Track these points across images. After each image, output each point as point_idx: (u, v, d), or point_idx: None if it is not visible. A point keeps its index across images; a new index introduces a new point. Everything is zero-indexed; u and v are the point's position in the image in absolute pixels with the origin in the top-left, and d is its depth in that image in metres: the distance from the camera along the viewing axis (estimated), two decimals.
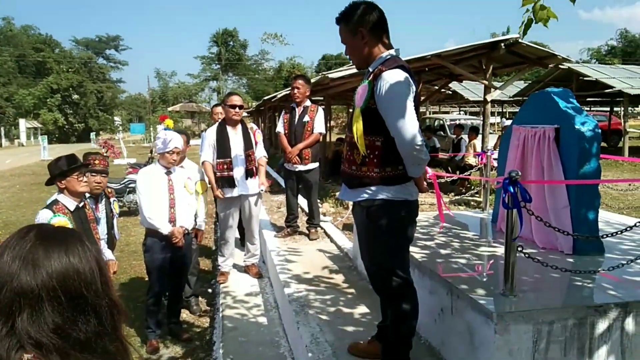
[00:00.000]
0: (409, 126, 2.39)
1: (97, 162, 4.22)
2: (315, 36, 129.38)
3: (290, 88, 6.20)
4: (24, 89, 55.77)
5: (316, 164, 5.98)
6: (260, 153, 5.16)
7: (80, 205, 3.58)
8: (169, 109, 50.53)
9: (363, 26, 2.54)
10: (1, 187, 15.25)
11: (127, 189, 9.74)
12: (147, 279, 4.69)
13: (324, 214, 7.39)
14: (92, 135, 41.41)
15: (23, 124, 52.14)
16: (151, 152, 13.75)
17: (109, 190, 4.54)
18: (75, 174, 3.46)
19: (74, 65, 59.97)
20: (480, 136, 9.85)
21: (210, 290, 5.66)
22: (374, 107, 2.48)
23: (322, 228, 6.41)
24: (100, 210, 4.27)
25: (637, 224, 3.00)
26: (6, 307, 0.91)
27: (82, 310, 0.96)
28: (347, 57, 2.72)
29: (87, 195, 3.94)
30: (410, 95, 2.45)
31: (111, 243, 4.40)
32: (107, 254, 3.79)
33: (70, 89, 56.54)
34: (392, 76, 2.43)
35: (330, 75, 9.06)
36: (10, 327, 0.90)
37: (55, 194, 3.60)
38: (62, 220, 3.45)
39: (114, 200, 4.53)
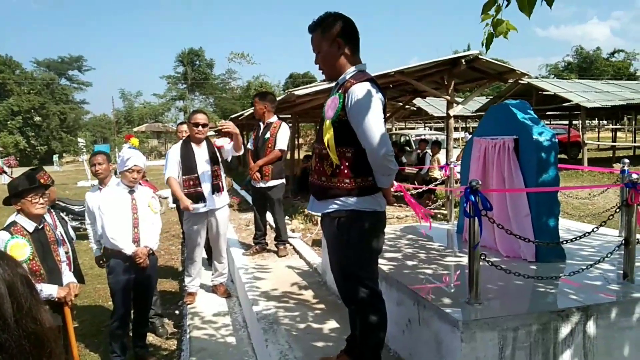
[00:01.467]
0: (380, 137, 2.43)
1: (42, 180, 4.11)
2: (282, 55, 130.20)
3: None
4: None
5: (279, 181, 5.92)
6: (230, 149, 5.13)
7: (40, 226, 3.48)
8: (135, 129, 49.72)
9: (341, 37, 2.57)
10: None
11: None
12: (111, 302, 4.56)
13: (293, 231, 7.36)
14: (55, 157, 40.39)
15: None
16: (115, 172, 13.47)
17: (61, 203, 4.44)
18: (29, 195, 3.36)
19: (35, 86, 58.52)
20: (443, 150, 10.04)
21: (177, 312, 5.55)
22: (344, 118, 2.51)
23: (290, 244, 6.38)
24: (58, 225, 4.15)
25: (595, 230, 3.10)
26: None
27: (6, 327, 0.85)
28: (317, 66, 2.72)
29: None
30: (379, 108, 2.49)
31: (73, 259, 4.26)
32: (68, 276, 3.67)
33: (32, 110, 55.08)
34: (363, 89, 2.48)
35: (296, 92, 9.10)
36: None
37: (13, 215, 3.49)
38: (20, 243, 3.34)
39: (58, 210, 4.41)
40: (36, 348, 0.88)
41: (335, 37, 2.57)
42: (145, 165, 4.38)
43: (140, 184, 4.39)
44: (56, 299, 3.40)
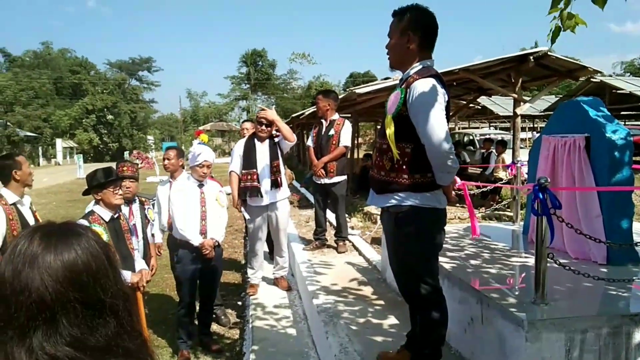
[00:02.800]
0: (440, 134, 2.41)
1: (125, 168, 4.39)
2: (343, 54, 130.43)
3: None
4: (61, 110, 57.76)
5: (342, 177, 6.00)
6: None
7: (115, 216, 3.70)
8: (200, 128, 51.41)
9: (412, 30, 2.56)
10: (39, 204, 15.69)
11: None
12: (177, 292, 4.78)
13: (352, 228, 7.40)
14: (126, 154, 42.46)
15: (60, 143, 53.87)
16: (183, 167, 14.01)
17: (144, 199, 4.66)
18: (110, 186, 3.58)
19: (108, 86, 61.90)
20: (509, 150, 9.75)
21: (239, 303, 5.72)
22: (405, 114, 2.52)
23: (350, 241, 6.42)
24: (134, 216, 4.39)
25: None
26: (22, 325, 0.88)
27: (100, 314, 0.93)
28: (386, 50, 2.71)
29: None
30: (441, 104, 2.47)
31: (146, 250, 4.49)
32: (140, 263, 3.89)
33: (105, 109, 58.24)
34: (425, 84, 2.47)
35: (357, 91, 9.12)
36: (28, 346, 0.87)
37: (91, 204, 3.74)
38: (97, 230, 3.57)
39: (149, 208, 4.64)
40: (129, 313, 0.99)
41: (408, 29, 2.57)
42: (214, 160, 4.55)
43: (212, 177, 4.58)
44: (129, 284, 3.62)
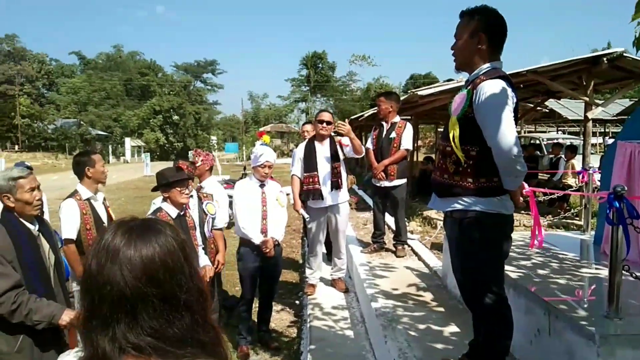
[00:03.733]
0: (508, 136, 2.34)
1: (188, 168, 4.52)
2: (404, 56, 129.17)
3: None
4: (130, 110, 60.67)
5: (403, 181, 5.94)
6: (350, 151, 5.16)
7: (182, 213, 3.83)
8: (260, 129, 52.42)
9: (484, 31, 2.51)
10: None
11: None
12: (238, 287, 4.89)
13: (412, 232, 7.31)
14: (190, 153, 43.97)
15: (128, 142, 56.53)
16: (244, 168, 14.38)
17: (204, 194, 4.73)
18: (178, 186, 3.72)
19: (174, 88, 64.36)
20: (579, 156, 9.30)
21: (297, 302, 5.78)
22: (471, 115, 2.46)
23: (409, 246, 6.34)
24: (191, 211, 4.52)
25: None
26: (105, 316, 0.93)
27: (175, 309, 0.96)
28: (452, 51, 2.67)
29: None
30: (510, 106, 2.40)
31: (205, 245, 4.61)
32: (204, 259, 4.00)
33: (171, 110, 60.57)
34: (493, 86, 2.40)
35: (419, 93, 9.01)
36: (112, 334, 0.92)
37: (159, 199, 3.89)
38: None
39: (208, 203, 4.69)
40: (203, 307, 1.02)
41: (478, 30, 2.51)
42: (275, 161, 4.62)
43: (272, 177, 4.65)
44: None
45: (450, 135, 2.52)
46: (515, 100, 2.47)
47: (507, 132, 2.35)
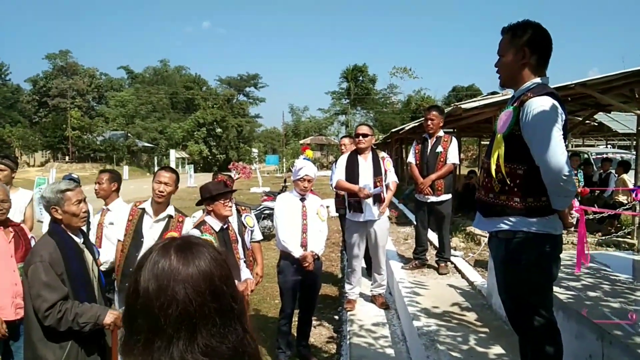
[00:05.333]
0: (557, 155, 2.25)
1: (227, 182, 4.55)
2: (445, 68, 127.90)
3: (423, 119, 6.18)
4: (175, 123, 62.36)
5: (449, 196, 5.84)
6: (391, 179, 5.18)
7: (225, 227, 3.87)
8: (301, 141, 52.92)
9: (529, 46, 2.45)
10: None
11: (262, 215, 10.27)
12: (278, 300, 4.88)
13: (454, 249, 7.14)
14: (230, 165, 44.74)
15: (173, 154, 57.90)
16: (285, 181, 14.50)
17: (243, 207, 4.74)
18: (221, 199, 3.76)
19: (218, 101, 65.82)
20: (631, 172, 8.90)
21: (336, 317, 5.72)
22: (518, 133, 2.38)
23: (452, 263, 6.19)
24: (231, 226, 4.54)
25: None
26: (169, 336, 0.95)
27: (230, 321, 0.99)
28: (495, 69, 2.61)
29: None
30: (558, 124, 2.32)
31: (246, 256, 4.63)
32: (245, 272, 4.02)
33: (214, 123, 61.89)
34: (541, 103, 2.33)
35: (462, 106, 8.87)
36: (170, 355, 0.94)
37: (198, 213, 3.95)
38: (208, 240, 3.75)
39: (247, 215, 4.67)
40: (245, 312, 1.06)
41: (523, 45, 2.45)
42: (315, 175, 4.62)
43: (312, 191, 4.65)
44: None
45: (495, 155, 2.45)
46: (564, 117, 2.38)
47: (557, 151, 2.26)
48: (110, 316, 2.69)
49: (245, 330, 1.02)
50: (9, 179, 4.67)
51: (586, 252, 4.36)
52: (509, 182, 2.43)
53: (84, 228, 3.26)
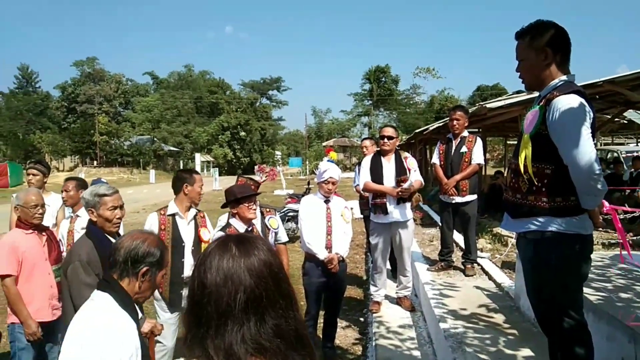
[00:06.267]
0: (585, 154, 2.22)
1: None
2: (470, 67, 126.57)
3: (448, 119, 6.14)
4: (200, 127, 63.20)
5: (474, 196, 5.78)
6: (415, 177, 5.14)
7: (249, 229, 3.91)
8: (324, 143, 52.99)
9: (550, 46, 2.42)
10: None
11: (287, 217, 10.33)
12: (303, 302, 4.89)
13: (481, 250, 7.06)
14: (256, 168, 45.12)
15: (198, 157, 58.78)
16: (308, 183, 14.56)
17: (267, 209, 4.73)
18: (245, 202, 3.80)
19: (241, 105, 66.46)
20: None
21: (362, 319, 5.72)
22: (545, 133, 2.35)
23: (478, 264, 6.12)
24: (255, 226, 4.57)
25: None
26: (239, 318, 1.04)
27: (290, 306, 1.09)
28: (518, 74, 2.59)
29: None
30: (587, 122, 2.28)
31: None
32: None
33: (238, 126, 62.58)
34: (567, 101, 2.29)
35: (487, 106, 8.77)
36: (242, 336, 1.03)
37: (224, 216, 3.99)
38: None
39: (271, 217, 4.67)
40: (297, 300, 1.15)
41: (544, 46, 2.42)
42: (340, 177, 4.62)
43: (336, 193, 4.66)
44: None
45: (522, 155, 2.42)
46: (592, 115, 2.34)
47: (586, 150, 2.23)
48: (147, 325, 2.74)
49: (300, 316, 1.12)
50: (42, 184, 4.80)
51: (624, 252, 4.26)
52: (536, 182, 2.40)
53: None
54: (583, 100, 2.32)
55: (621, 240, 3.98)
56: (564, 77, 2.44)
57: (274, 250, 1.16)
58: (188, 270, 3.76)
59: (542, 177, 2.39)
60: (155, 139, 58.57)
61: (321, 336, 4.72)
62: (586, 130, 2.27)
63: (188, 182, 3.91)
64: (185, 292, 3.65)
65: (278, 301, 1.07)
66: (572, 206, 2.35)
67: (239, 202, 3.77)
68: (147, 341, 2.84)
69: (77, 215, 4.12)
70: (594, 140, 2.39)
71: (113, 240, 2.91)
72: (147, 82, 75.57)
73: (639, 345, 2.57)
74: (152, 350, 2.81)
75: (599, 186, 2.27)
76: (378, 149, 5.49)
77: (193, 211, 3.99)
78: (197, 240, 3.92)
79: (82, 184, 4.47)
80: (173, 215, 3.87)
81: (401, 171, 5.05)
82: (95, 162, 56.20)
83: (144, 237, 1.99)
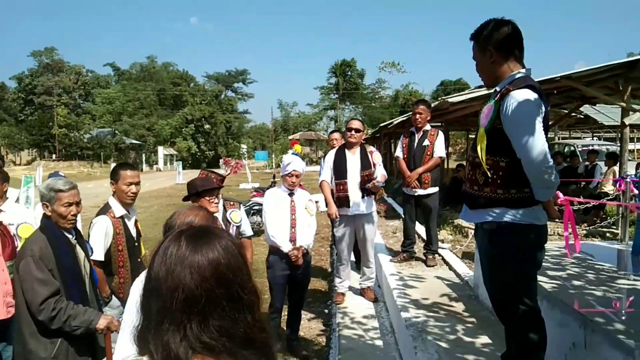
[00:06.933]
0: (537, 147, 2.29)
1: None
2: (433, 62, 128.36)
3: (411, 113, 6.22)
4: (163, 120, 61.99)
5: (436, 189, 5.90)
6: (380, 172, 5.20)
7: (211, 223, 3.87)
8: (290, 137, 52.84)
9: (491, 45, 2.51)
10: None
11: (252, 211, 10.27)
12: (268, 295, 4.89)
13: (442, 241, 7.21)
14: (221, 161, 44.68)
15: (161, 151, 57.73)
16: (274, 176, 14.51)
17: (231, 203, 4.66)
18: (207, 195, 3.75)
19: (206, 97, 65.54)
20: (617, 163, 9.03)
21: (326, 311, 5.76)
22: (499, 127, 2.42)
23: (440, 255, 6.25)
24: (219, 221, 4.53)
25: None
26: (178, 317, 0.98)
27: (240, 309, 1.03)
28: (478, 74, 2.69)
29: None
30: (539, 116, 2.35)
31: None
32: None
33: (203, 119, 61.69)
34: (520, 95, 2.36)
35: (449, 100, 8.93)
36: (183, 334, 0.98)
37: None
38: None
39: (233, 211, 4.57)
40: (258, 307, 1.09)
41: (488, 46, 2.51)
42: (304, 170, 4.63)
43: (301, 185, 4.66)
44: None
45: (478, 148, 2.49)
46: (544, 109, 2.41)
47: (537, 143, 2.30)
48: (103, 321, 2.69)
49: (255, 320, 1.05)
50: None
51: (571, 242, 4.41)
52: (492, 175, 2.47)
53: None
54: (536, 95, 2.39)
55: (575, 231, 4.10)
56: (519, 72, 2.52)
57: (234, 250, 1.08)
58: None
59: (497, 170, 2.45)
60: (116, 131, 57.14)
61: (285, 328, 4.74)
62: (538, 124, 2.34)
63: (113, 179, 3.56)
64: None
65: (221, 304, 1.00)
66: (526, 197, 2.43)
67: (200, 195, 3.72)
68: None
69: (1, 210, 3.85)
70: (547, 134, 2.47)
71: (69, 235, 2.84)
72: (109, 74, 73.60)
73: (589, 331, 2.68)
74: (109, 346, 2.76)
75: (552, 178, 2.34)
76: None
77: (134, 209, 3.71)
78: (139, 235, 3.72)
79: (5, 177, 4.09)
80: (122, 217, 3.56)
81: (366, 165, 5.11)
82: (54, 156, 54.51)
83: (194, 212, 2.09)
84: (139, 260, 3.68)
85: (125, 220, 3.60)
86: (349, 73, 63.03)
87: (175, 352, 0.97)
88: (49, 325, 2.56)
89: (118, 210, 3.53)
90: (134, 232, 3.69)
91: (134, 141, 58.63)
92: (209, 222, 2.07)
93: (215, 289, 1.00)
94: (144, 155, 57.10)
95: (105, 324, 2.68)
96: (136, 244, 3.69)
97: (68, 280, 2.71)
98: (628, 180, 5.17)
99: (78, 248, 2.89)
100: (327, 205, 5.19)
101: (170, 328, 0.98)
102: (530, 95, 2.36)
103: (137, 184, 3.61)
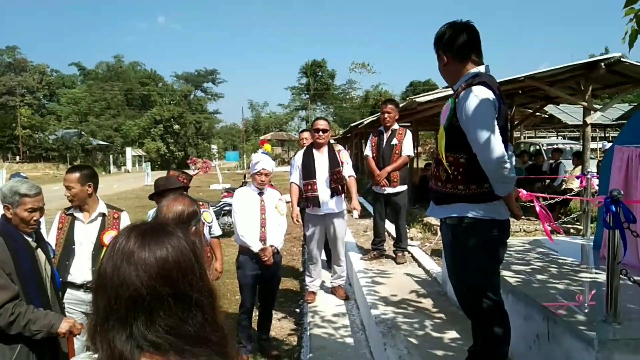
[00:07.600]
0: (491, 143, 2.35)
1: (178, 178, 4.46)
2: (403, 63, 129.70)
3: (380, 113, 6.28)
4: (131, 120, 60.86)
5: (405, 187, 5.98)
6: (348, 172, 5.24)
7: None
8: (261, 137, 52.54)
9: (443, 50, 2.61)
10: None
11: (222, 212, 10.19)
12: (238, 296, 4.87)
13: (412, 239, 7.30)
14: (189, 161, 44.11)
15: (129, 152, 56.64)
16: (244, 177, 14.42)
17: (200, 203, 4.60)
18: (171, 195, 3.70)
19: (175, 97, 64.60)
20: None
21: (297, 310, 5.76)
22: (456, 124, 2.48)
23: (409, 252, 6.33)
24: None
25: None
26: (123, 315, 0.96)
27: (188, 308, 0.99)
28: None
29: None
30: (491, 111, 2.41)
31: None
32: None
33: (172, 119, 60.75)
34: (474, 92, 2.42)
35: (417, 100, 9.04)
36: (129, 333, 0.95)
37: (153, 210, 3.88)
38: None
39: (204, 211, 4.56)
40: (212, 307, 1.06)
41: (445, 53, 2.61)
42: (273, 169, 4.62)
43: (271, 185, 4.65)
44: None
45: (439, 146, 2.55)
46: (497, 104, 2.47)
47: (491, 139, 2.35)
48: (65, 324, 2.62)
49: (206, 320, 1.02)
50: None
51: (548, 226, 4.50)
52: (453, 171, 2.53)
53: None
54: (489, 91, 2.44)
55: (547, 224, 4.20)
56: (474, 70, 2.58)
57: (186, 249, 1.04)
58: (76, 274, 3.39)
59: (457, 166, 2.51)
60: (82, 132, 55.78)
61: (256, 328, 4.72)
62: (490, 120, 2.39)
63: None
64: (69, 294, 3.43)
65: (168, 303, 0.97)
66: (486, 193, 2.48)
67: (161, 195, 3.68)
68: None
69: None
70: (507, 131, 2.54)
71: (29, 239, 2.77)
72: (74, 74, 71.84)
73: (552, 322, 2.76)
74: (72, 350, 2.70)
75: (507, 173, 2.40)
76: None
77: (100, 212, 3.51)
78: (99, 243, 3.46)
79: None
80: (73, 214, 3.46)
81: (334, 164, 5.13)
82: (17, 157, 52.87)
83: (179, 201, 2.21)
84: (67, 263, 3.42)
85: (77, 218, 3.46)
86: (320, 73, 63.08)
87: (120, 349, 0.94)
88: (8, 330, 2.48)
89: (73, 208, 3.46)
90: (84, 235, 3.48)
91: (101, 142, 57.36)
92: (193, 203, 2.19)
93: (162, 287, 0.97)
94: (111, 157, 55.93)
95: (67, 328, 2.61)
96: (73, 247, 3.43)
97: (28, 284, 2.62)
98: (589, 177, 5.33)
99: (39, 251, 2.81)
100: (300, 204, 5.21)
101: (116, 326, 0.96)
102: (483, 91, 2.42)
103: (69, 188, 3.37)
